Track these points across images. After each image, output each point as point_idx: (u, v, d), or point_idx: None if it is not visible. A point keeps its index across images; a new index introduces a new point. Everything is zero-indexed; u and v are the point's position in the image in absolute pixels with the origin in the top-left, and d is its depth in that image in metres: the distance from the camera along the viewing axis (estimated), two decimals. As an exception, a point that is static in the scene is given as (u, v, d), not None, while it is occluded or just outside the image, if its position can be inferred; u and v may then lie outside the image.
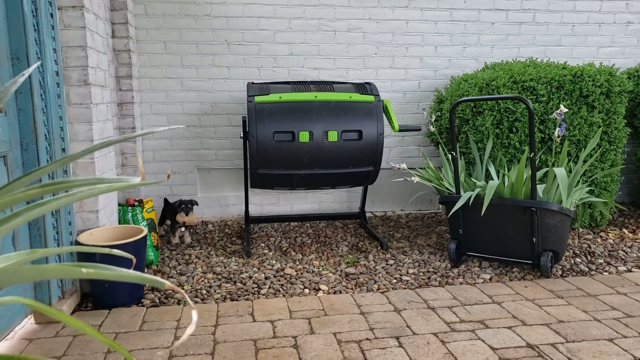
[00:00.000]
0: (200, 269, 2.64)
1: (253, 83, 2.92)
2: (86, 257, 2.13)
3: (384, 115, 2.97)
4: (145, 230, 2.27)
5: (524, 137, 2.96)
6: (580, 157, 2.60)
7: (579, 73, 2.99)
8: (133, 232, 2.31)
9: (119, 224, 2.65)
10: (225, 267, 2.66)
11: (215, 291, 2.35)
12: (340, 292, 2.35)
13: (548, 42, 3.80)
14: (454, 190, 2.69)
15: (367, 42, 3.57)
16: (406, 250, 2.92)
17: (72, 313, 2.12)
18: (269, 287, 2.40)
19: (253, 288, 2.39)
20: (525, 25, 3.75)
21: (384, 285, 2.41)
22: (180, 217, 2.93)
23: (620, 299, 2.21)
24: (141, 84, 3.39)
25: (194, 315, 0.56)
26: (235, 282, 2.47)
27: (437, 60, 3.68)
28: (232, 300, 2.26)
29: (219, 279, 2.50)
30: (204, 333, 1.92)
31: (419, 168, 3.11)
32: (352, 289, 2.38)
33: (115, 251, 0.76)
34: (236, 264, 2.72)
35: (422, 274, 2.56)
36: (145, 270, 2.61)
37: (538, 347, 1.80)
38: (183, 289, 2.39)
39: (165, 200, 3.14)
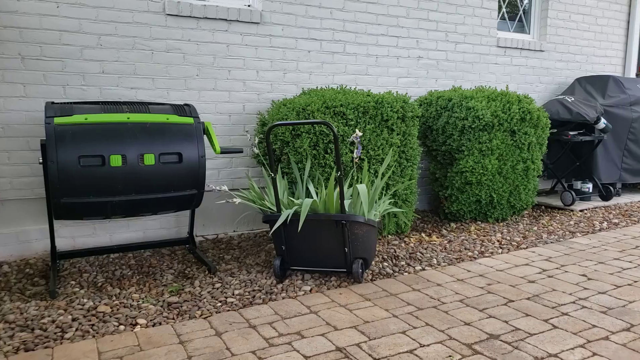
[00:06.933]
0: (-15, 321, 2.22)
1: (53, 103, 2.62)
2: None
3: (205, 137, 2.95)
4: None
5: (337, 156, 3.25)
6: (378, 172, 2.96)
7: (380, 100, 3.43)
8: None
9: None
10: (21, 314, 2.29)
11: (5, 343, 2.01)
12: (160, 323, 2.22)
13: (358, 71, 4.28)
14: (275, 209, 2.80)
15: (188, 63, 3.53)
16: (234, 272, 2.92)
17: None
18: (77, 330, 2.14)
19: (56, 333, 2.10)
20: (338, 55, 4.16)
21: (208, 310, 2.37)
22: None
23: (414, 295, 2.56)
24: None
25: None
26: (33, 329, 2.14)
27: (260, 84, 3.83)
28: (26, 351, 1.95)
29: (12, 329, 2.14)
30: (-19, 398, 1.62)
31: (243, 189, 3.16)
32: (173, 319, 2.28)
33: None
34: (36, 308, 2.36)
35: (247, 293, 2.59)
36: None
37: (345, 349, 1.96)
38: (-44, 348, 1.98)
39: None
